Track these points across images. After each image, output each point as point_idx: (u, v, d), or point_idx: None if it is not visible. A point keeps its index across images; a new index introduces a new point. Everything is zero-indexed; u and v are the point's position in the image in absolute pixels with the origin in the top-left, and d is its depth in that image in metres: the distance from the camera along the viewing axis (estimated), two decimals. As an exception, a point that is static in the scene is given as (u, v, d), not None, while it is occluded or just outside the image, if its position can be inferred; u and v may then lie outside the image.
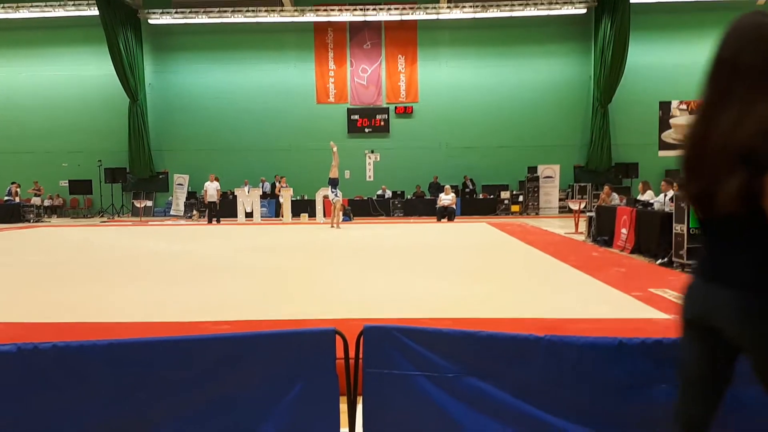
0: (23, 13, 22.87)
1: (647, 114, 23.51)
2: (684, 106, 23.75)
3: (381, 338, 2.71)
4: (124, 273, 8.10)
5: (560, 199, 22.99)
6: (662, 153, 24.03)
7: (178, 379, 2.66)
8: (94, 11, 22.19)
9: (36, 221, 20.63)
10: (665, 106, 23.82)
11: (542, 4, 22.47)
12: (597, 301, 5.76)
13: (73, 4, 22.64)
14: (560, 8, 22.59)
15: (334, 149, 16.18)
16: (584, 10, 22.89)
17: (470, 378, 2.67)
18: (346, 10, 23.08)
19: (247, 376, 2.67)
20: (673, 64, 23.36)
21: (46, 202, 23.62)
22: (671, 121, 23.83)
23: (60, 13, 22.90)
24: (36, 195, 22.73)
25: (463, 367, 2.69)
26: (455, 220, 19.20)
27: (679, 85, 23.48)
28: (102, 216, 23.11)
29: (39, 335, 4.45)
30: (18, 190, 22.24)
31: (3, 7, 22.93)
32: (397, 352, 2.69)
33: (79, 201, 24.72)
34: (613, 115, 23.29)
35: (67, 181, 24.25)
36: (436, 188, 22.40)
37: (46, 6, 22.71)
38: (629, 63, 22.31)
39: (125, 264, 9.09)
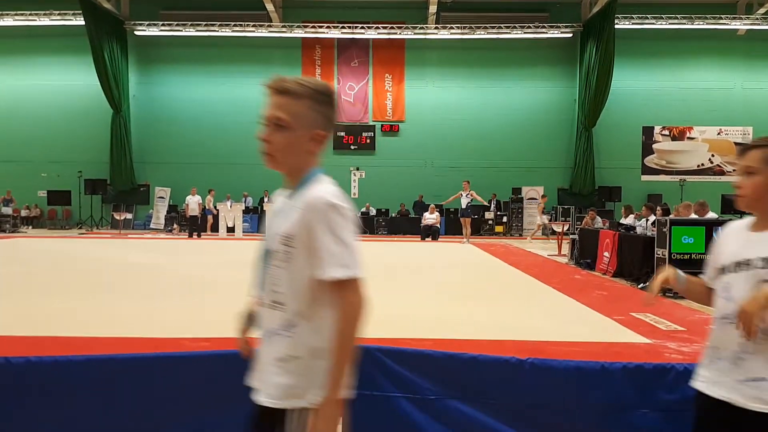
0: (7, 21, 22.67)
1: (630, 138, 23.88)
2: (666, 132, 24.12)
3: (362, 358, 2.66)
4: (101, 286, 7.96)
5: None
6: (645, 177, 24.35)
7: (157, 396, 2.61)
8: (80, 21, 22.05)
9: (12, 232, 20.28)
10: (648, 131, 24.19)
11: (529, 27, 22.78)
12: (579, 324, 5.75)
13: (59, 14, 22.48)
14: (547, 32, 22.91)
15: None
16: (570, 35, 23.24)
17: (452, 400, 2.64)
18: (335, 27, 23.20)
19: (225, 393, 2.62)
20: (656, 90, 23.79)
21: (23, 213, 23.24)
22: (654, 146, 24.19)
23: (45, 22, 22.71)
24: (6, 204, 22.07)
25: (445, 389, 2.65)
26: (439, 239, 19.20)
27: (662, 111, 23.92)
28: (80, 228, 22.80)
29: (12, 349, 4.33)
30: None
31: (-13, 15, 22.76)
32: (379, 373, 2.66)
33: (57, 212, 24.38)
34: (597, 138, 23.56)
35: (45, 192, 23.91)
36: (421, 207, 22.42)
37: (30, 15, 22.54)
38: (613, 87, 22.64)
39: (102, 276, 8.94)
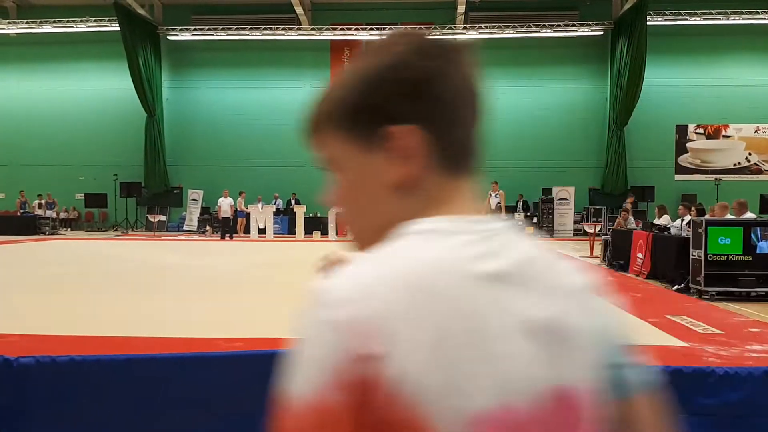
0: (46, 28, 23.30)
1: (663, 137, 23.44)
2: (701, 130, 23.63)
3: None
4: (136, 286, 8.12)
5: (575, 222, 22.82)
6: (679, 177, 23.90)
7: (193, 395, 2.65)
8: (115, 27, 22.55)
9: (51, 234, 20.80)
10: (682, 130, 23.72)
11: (559, 25, 22.55)
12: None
13: (95, 20, 23.02)
14: (577, 30, 22.65)
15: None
16: (601, 32, 22.93)
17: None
18: (363, 29, 23.27)
19: (262, 394, 2.65)
20: (689, 88, 23.30)
21: (62, 215, 23.82)
22: (688, 144, 23.72)
23: (82, 28, 23.30)
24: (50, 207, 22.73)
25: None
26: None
27: (696, 109, 23.42)
28: (116, 230, 23.27)
29: (55, 348, 4.45)
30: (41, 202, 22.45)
31: (27, 22, 23.40)
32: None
33: (94, 214, 24.93)
34: (629, 137, 23.19)
35: (82, 195, 24.48)
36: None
37: (68, 21, 23.12)
38: (645, 85, 22.24)
39: (137, 277, 9.12)
